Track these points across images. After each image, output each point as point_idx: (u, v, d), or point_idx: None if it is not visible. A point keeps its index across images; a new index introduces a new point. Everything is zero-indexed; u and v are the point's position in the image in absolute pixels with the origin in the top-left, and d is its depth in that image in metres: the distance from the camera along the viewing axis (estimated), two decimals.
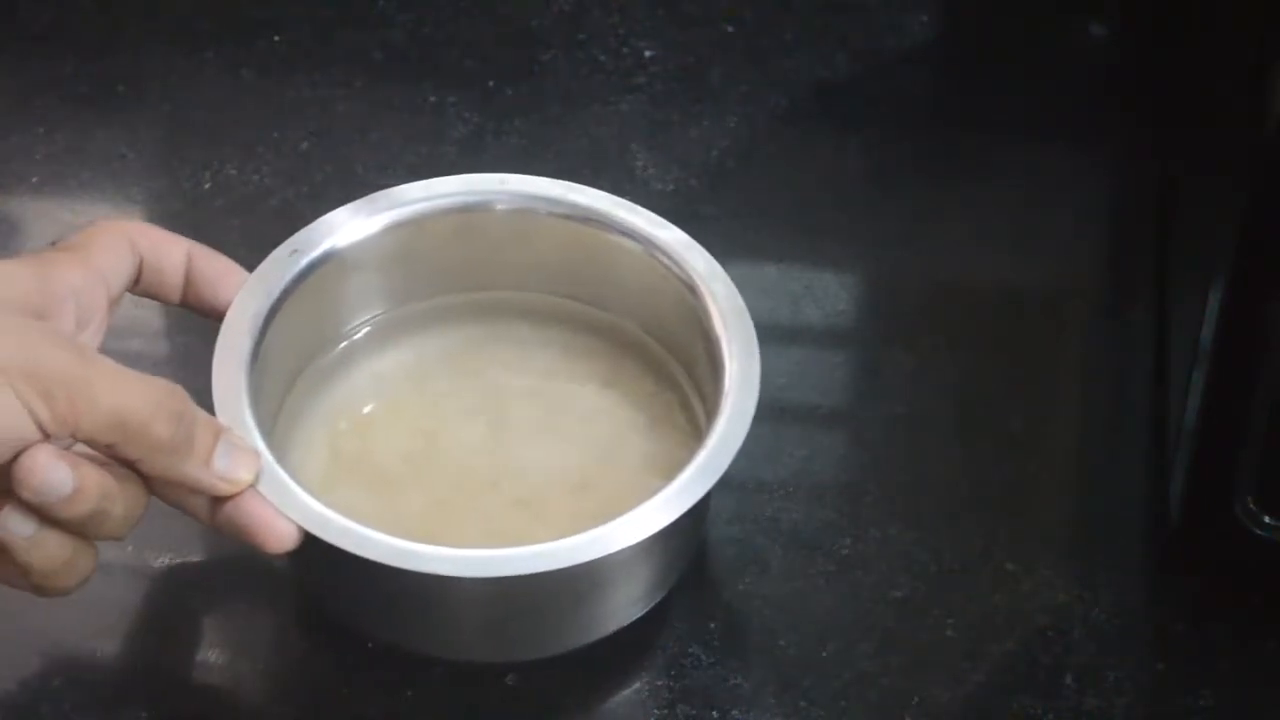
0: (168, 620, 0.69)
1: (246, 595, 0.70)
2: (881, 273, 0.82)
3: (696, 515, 0.66)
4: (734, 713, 0.67)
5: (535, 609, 0.65)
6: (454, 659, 0.67)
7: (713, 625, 0.69)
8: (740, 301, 0.68)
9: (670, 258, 0.70)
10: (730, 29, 0.90)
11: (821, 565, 0.71)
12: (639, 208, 0.71)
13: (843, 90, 0.88)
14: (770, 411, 0.68)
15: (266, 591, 0.70)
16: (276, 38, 0.90)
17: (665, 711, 0.67)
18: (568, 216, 0.71)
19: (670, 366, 0.72)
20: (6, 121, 0.86)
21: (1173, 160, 0.80)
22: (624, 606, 0.67)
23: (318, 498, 0.63)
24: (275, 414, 0.69)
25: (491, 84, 0.87)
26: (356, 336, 0.73)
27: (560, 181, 0.72)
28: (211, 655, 0.68)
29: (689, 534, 0.68)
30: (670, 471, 0.64)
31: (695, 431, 0.69)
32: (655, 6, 0.91)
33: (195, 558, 0.71)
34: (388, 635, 0.67)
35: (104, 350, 0.77)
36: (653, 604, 0.67)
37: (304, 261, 0.69)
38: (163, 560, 0.71)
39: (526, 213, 0.72)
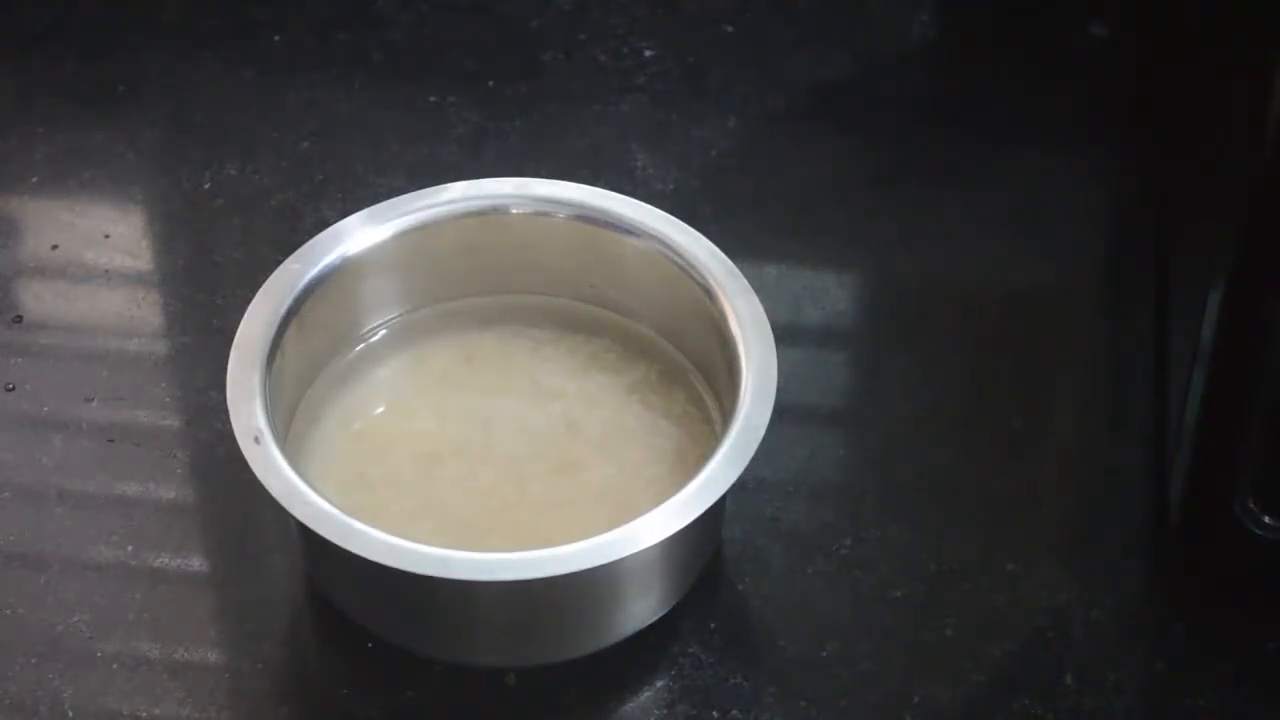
0: (167, 620, 0.69)
1: (246, 595, 0.70)
2: (881, 273, 0.82)
3: (712, 517, 0.66)
4: (734, 713, 0.67)
5: (553, 613, 0.65)
6: (471, 664, 0.67)
7: (713, 625, 0.69)
8: (758, 305, 0.68)
9: (687, 261, 0.70)
10: (730, 29, 0.90)
11: (821, 565, 0.71)
12: (656, 210, 0.71)
13: (843, 90, 0.88)
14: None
15: (267, 592, 0.70)
16: (276, 38, 0.90)
17: (665, 711, 0.67)
18: (584, 220, 0.72)
19: (686, 370, 0.72)
20: (6, 121, 0.86)
21: (1173, 160, 0.80)
22: (642, 609, 0.67)
23: (332, 500, 0.63)
24: (290, 415, 0.69)
25: (491, 84, 0.87)
26: (373, 339, 0.73)
27: (577, 184, 0.72)
28: (212, 655, 0.68)
29: (705, 536, 0.68)
30: (687, 474, 0.64)
31: (710, 434, 0.69)
32: (655, 6, 0.91)
33: (195, 558, 0.71)
34: (398, 638, 0.67)
35: (106, 350, 0.77)
36: (671, 606, 0.67)
37: (320, 266, 0.70)
38: (163, 560, 0.71)
39: (543, 216, 0.72)
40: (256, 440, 0.64)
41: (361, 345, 0.73)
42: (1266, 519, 0.67)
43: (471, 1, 0.91)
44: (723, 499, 0.64)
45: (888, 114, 0.87)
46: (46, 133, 0.85)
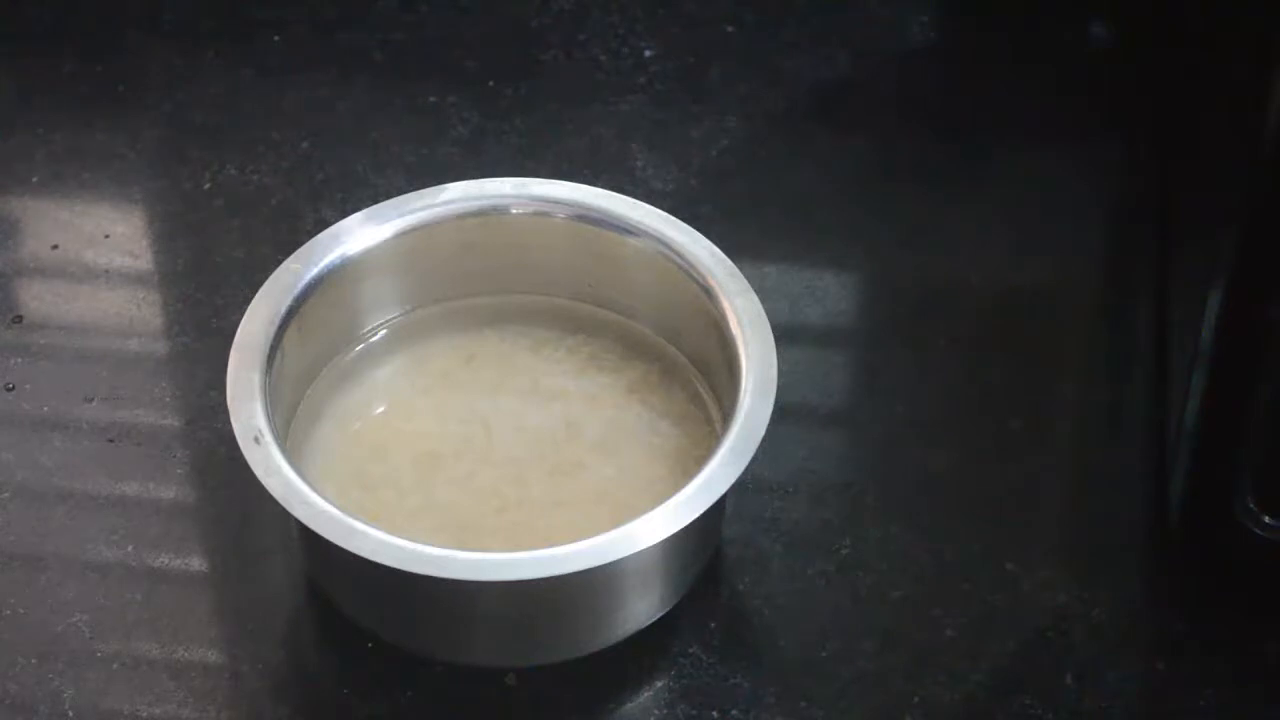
0: (167, 620, 0.69)
1: (246, 595, 0.70)
2: (881, 273, 0.82)
3: (712, 517, 0.66)
4: (734, 713, 0.67)
5: (553, 613, 0.65)
6: (471, 664, 0.67)
7: (713, 625, 0.69)
8: (758, 305, 0.68)
9: (687, 261, 0.70)
10: (730, 29, 0.90)
11: (821, 565, 0.71)
12: (656, 210, 0.71)
13: (843, 90, 0.88)
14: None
15: (266, 592, 0.70)
16: (276, 38, 0.90)
17: (665, 711, 0.67)
18: (584, 219, 0.72)
19: (686, 370, 0.72)
20: (6, 121, 0.86)
21: (1173, 160, 0.80)
22: (642, 609, 0.67)
23: (332, 500, 0.63)
24: (290, 415, 0.69)
25: (491, 84, 0.87)
26: (373, 339, 0.73)
27: (576, 184, 0.72)
28: (211, 655, 0.68)
29: (705, 536, 0.68)
30: (687, 474, 0.64)
31: (710, 434, 0.69)
32: (655, 6, 0.91)
33: (195, 558, 0.71)
34: (398, 638, 0.67)
35: (106, 350, 0.77)
36: (671, 606, 0.67)
37: (320, 266, 0.70)
38: (163, 560, 0.71)
39: (542, 216, 0.72)
40: (256, 440, 0.64)
41: (361, 345, 0.73)
42: (1266, 519, 0.67)
43: (471, 1, 0.91)
44: (723, 499, 0.64)
45: (888, 114, 0.87)
46: (46, 133, 0.85)
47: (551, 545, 0.62)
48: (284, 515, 0.64)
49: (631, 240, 0.71)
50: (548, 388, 0.72)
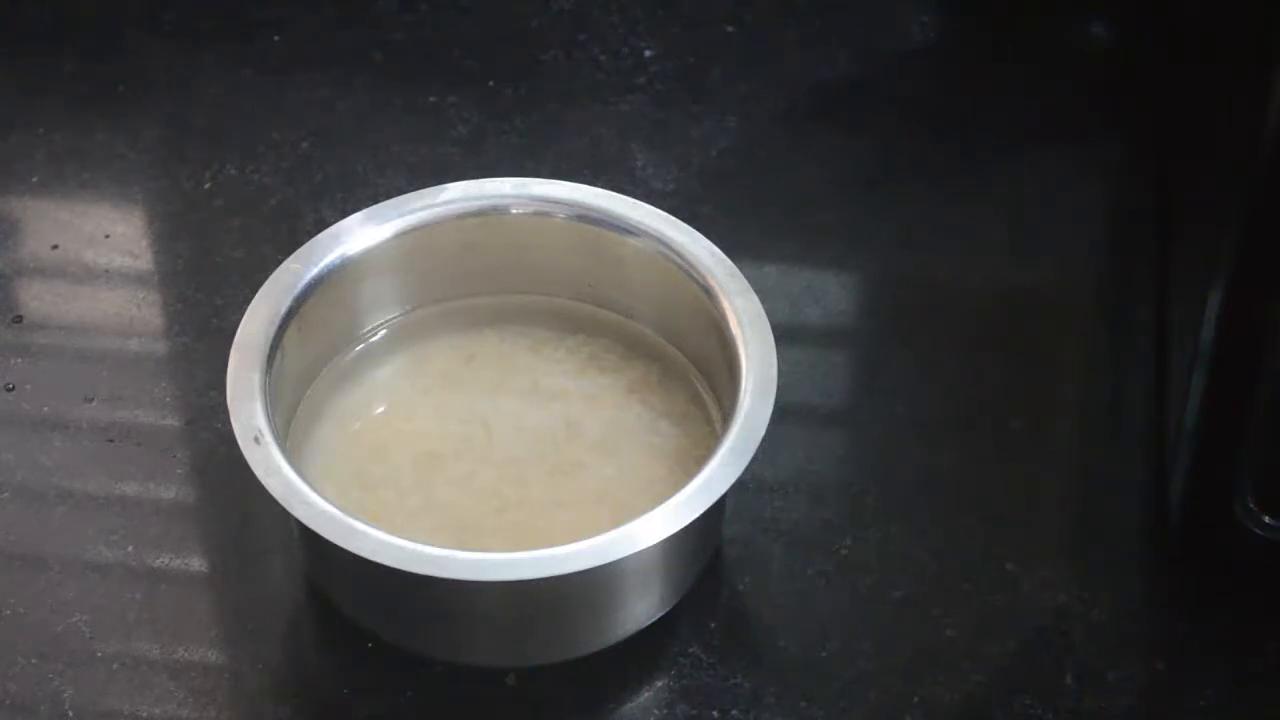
0: (167, 620, 0.69)
1: (246, 595, 0.70)
2: (881, 273, 0.82)
3: (712, 517, 0.66)
4: (734, 713, 0.67)
5: (553, 613, 0.65)
6: (471, 664, 0.67)
7: (713, 625, 0.69)
8: (758, 305, 0.68)
9: (687, 261, 0.70)
10: (730, 29, 0.90)
11: (821, 565, 0.71)
12: (656, 210, 0.71)
13: (843, 90, 0.88)
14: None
15: (267, 592, 0.70)
16: (276, 38, 0.90)
17: (665, 711, 0.67)
18: (584, 220, 0.72)
19: (686, 370, 0.72)
20: (6, 121, 0.86)
21: (1173, 160, 0.80)
22: (642, 609, 0.67)
23: (332, 500, 0.63)
24: (290, 415, 0.69)
25: (491, 84, 0.87)
26: (373, 339, 0.73)
27: (576, 184, 0.72)
28: (212, 655, 0.68)
29: (705, 536, 0.68)
30: (688, 474, 0.64)
31: (711, 434, 0.69)
32: (655, 6, 0.91)
33: (195, 558, 0.71)
34: (398, 638, 0.67)
35: (106, 350, 0.77)
36: (671, 606, 0.67)
37: (320, 266, 0.70)
38: (163, 560, 0.71)
39: (543, 216, 0.72)
40: (256, 440, 0.64)
41: (361, 345, 0.73)
42: (1266, 519, 0.67)
43: (471, 1, 0.91)
44: (723, 499, 0.64)
45: (888, 114, 0.87)
46: (46, 133, 0.85)
47: (551, 545, 0.62)
48: (284, 515, 0.64)
49: (631, 240, 0.71)
50: (548, 388, 0.72)
